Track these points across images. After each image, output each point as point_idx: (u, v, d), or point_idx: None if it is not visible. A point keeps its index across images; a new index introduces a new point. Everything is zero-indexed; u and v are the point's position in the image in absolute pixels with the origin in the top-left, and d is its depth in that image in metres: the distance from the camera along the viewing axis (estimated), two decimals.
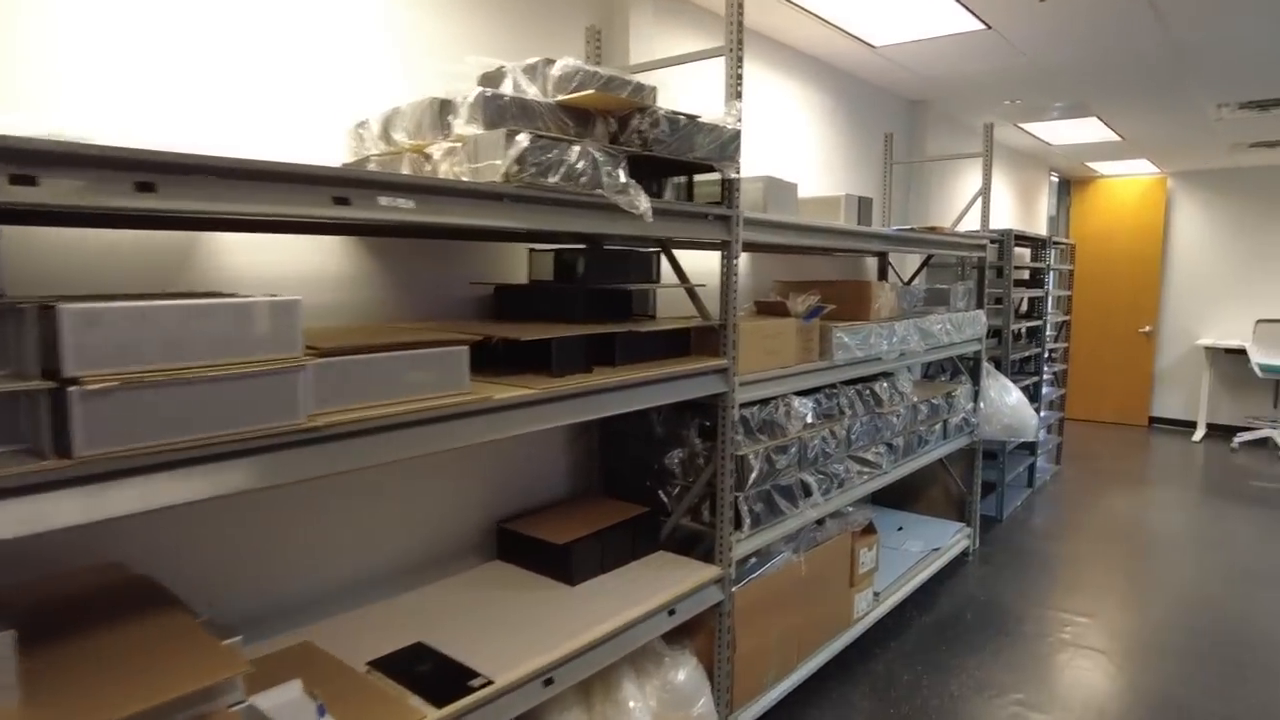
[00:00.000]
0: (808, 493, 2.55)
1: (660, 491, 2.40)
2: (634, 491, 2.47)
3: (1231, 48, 3.65)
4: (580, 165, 1.66)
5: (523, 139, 1.56)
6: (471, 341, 1.55)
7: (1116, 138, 5.91)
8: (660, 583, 2.14)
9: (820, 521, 2.81)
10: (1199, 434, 7.30)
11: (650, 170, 2.20)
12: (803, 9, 3.12)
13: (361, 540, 2.06)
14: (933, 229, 3.40)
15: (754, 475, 2.31)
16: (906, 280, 4.38)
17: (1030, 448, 5.33)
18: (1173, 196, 7.63)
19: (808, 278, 3.66)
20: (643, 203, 1.77)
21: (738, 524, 2.29)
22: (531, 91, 1.81)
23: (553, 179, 1.62)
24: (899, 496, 4.29)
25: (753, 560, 2.51)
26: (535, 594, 2.08)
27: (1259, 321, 6.87)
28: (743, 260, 3.32)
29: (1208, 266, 7.49)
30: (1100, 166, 7.47)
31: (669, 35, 2.94)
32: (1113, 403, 7.89)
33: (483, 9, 2.26)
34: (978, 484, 4.07)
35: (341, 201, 1.34)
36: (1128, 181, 7.75)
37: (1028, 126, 5.57)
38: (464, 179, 1.63)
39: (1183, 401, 7.62)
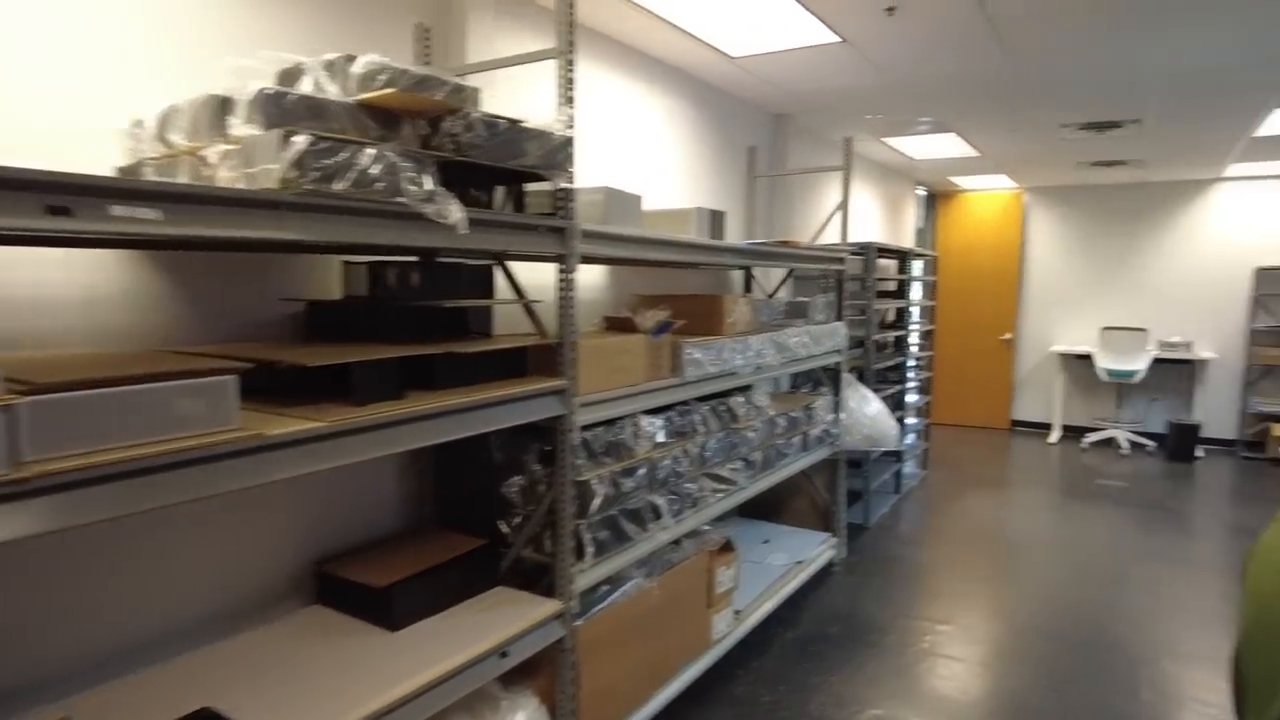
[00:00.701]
0: (658, 515, 2.45)
1: (500, 522, 2.24)
2: (472, 523, 2.31)
3: (1068, 73, 3.81)
4: (375, 170, 1.50)
5: (300, 140, 1.38)
6: (243, 369, 1.36)
7: (975, 153, 6.15)
8: (494, 623, 1.98)
9: (677, 542, 2.71)
10: (1055, 436, 7.70)
11: (479, 179, 2.06)
12: (653, 14, 3.04)
13: (147, 591, 1.81)
14: (786, 242, 3.38)
15: (597, 501, 2.19)
16: (770, 293, 4.39)
17: (896, 454, 5.45)
18: (1029, 210, 8.05)
19: (671, 292, 3.59)
20: (454, 213, 1.62)
21: (580, 554, 2.16)
22: (331, 90, 1.63)
23: (341, 185, 1.45)
24: (767, 509, 4.27)
25: (604, 589, 2.39)
26: (352, 643, 1.88)
27: (1104, 329, 7.31)
28: (600, 274, 3.21)
29: (1060, 277, 7.93)
30: (962, 181, 7.80)
31: (516, 38, 2.80)
32: (977, 408, 8.23)
33: (295, 4, 2.06)
34: (842, 495, 4.10)
35: (59, 211, 1.13)
36: (988, 196, 8.13)
37: (891, 141, 5.72)
38: (239, 185, 1.44)
39: (1040, 405, 8.03)
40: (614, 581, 2.41)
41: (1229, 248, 7.19)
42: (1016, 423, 8.17)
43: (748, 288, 4.26)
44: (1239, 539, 4.71)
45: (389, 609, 1.94)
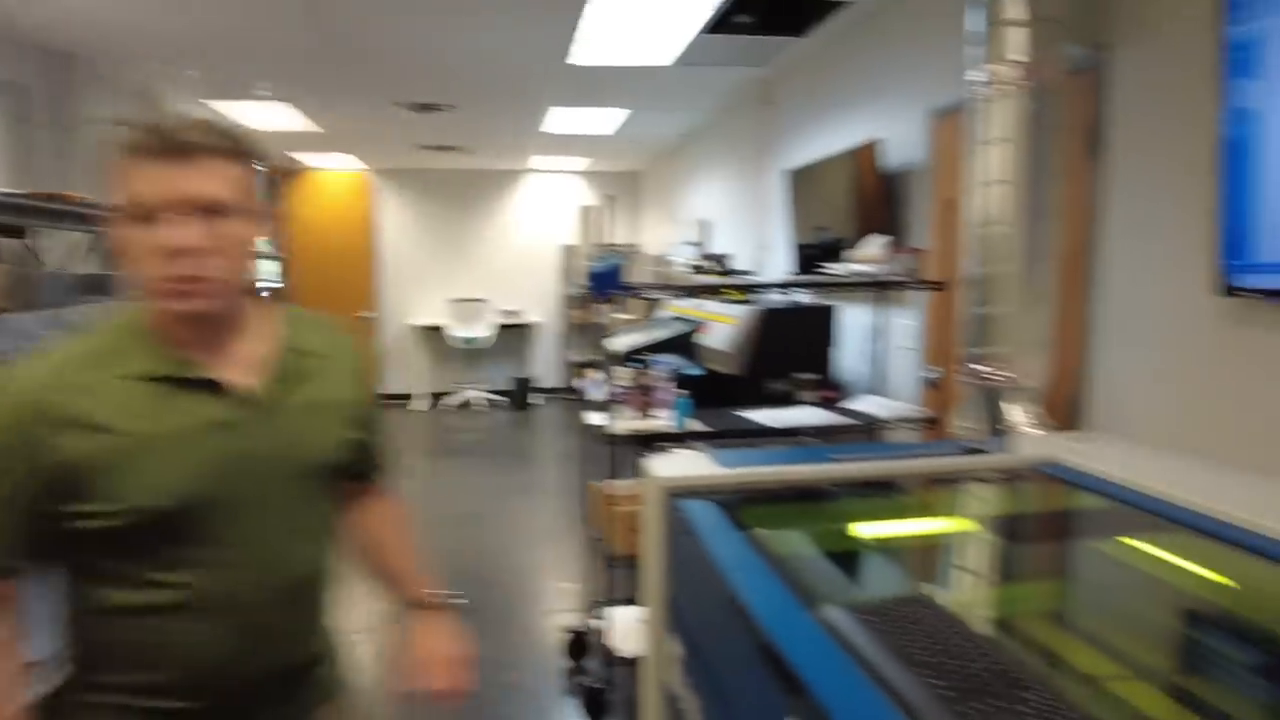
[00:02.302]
0: None
1: None
2: None
3: (388, 50, 3.93)
4: None
5: None
6: None
7: (318, 129, 6.03)
8: None
9: None
10: (421, 404, 8.21)
11: None
12: None
13: None
14: (56, 196, 2.77)
15: None
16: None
17: None
18: (379, 191, 8.32)
19: None
20: None
21: None
22: None
23: None
24: None
25: None
26: None
27: (451, 301, 8.03)
28: None
29: (412, 255, 8.43)
30: (309, 158, 7.65)
31: None
32: None
33: None
34: None
35: None
36: (338, 175, 8.15)
37: (220, 105, 5.22)
38: None
39: (406, 376, 8.44)
40: None
41: (542, 228, 8.56)
42: (385, 396, 8.46)
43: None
44: (563, 463, 5.67)
45: None
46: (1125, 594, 1.17)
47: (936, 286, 2.57)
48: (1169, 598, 1.14)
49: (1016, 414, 1.92)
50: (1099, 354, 2.09)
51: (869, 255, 2.71)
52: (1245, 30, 1.61)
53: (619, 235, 8.59)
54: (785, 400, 2.86)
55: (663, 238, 7.05)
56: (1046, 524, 1.46)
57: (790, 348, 3.05)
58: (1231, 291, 1.67)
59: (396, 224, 8.38)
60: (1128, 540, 1.31)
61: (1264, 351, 1.67)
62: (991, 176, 1.91)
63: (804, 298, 3.82)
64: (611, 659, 2.45)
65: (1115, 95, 2.03)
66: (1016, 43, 1.89)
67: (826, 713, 0.73)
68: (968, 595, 1.18)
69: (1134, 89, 1.98)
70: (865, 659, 0.82)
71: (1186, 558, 1.24)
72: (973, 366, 1.96)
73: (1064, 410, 2.15)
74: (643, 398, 2.35)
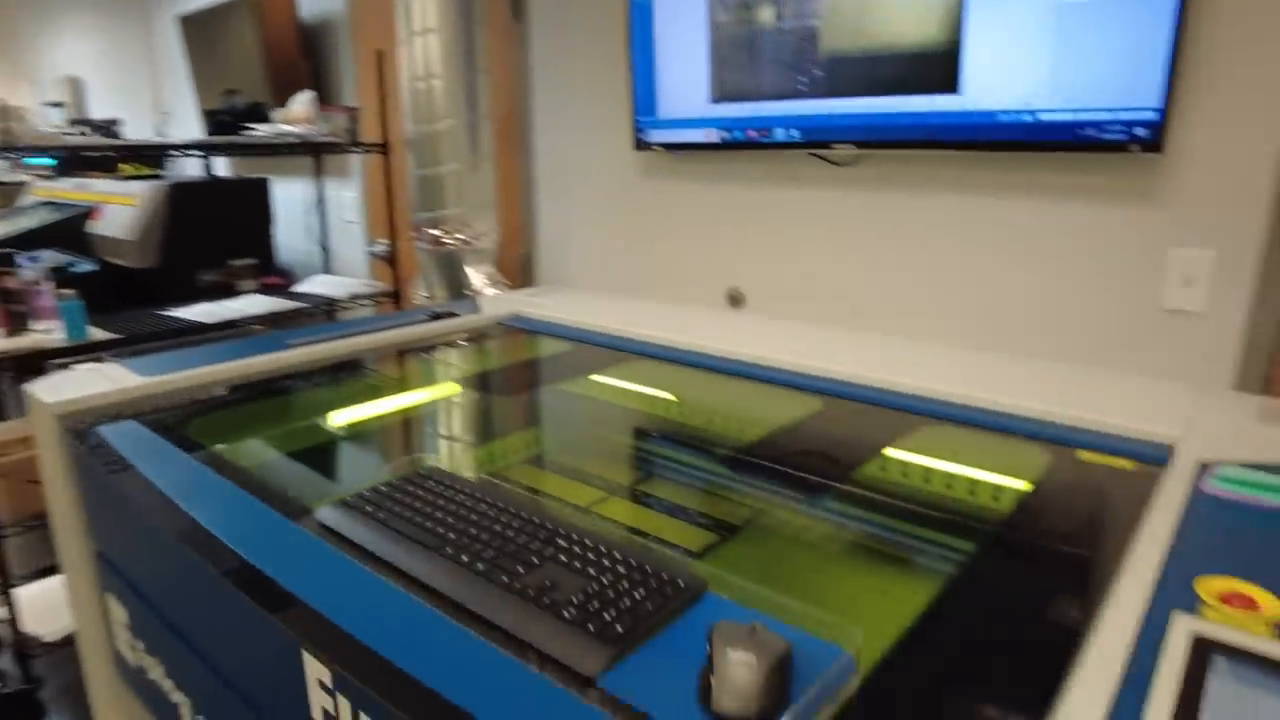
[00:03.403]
0: None
1: None
2: None
3: None
4: None
5: None
6: None
7: None
8: None
9: None
10: None
11: None
12: None
13: None
14: None
15: None
16: None
17: None
18: None
19: None
20: None
21: None
22: None
23: None
24: None
25: None
26: None
27: None
28: None
29: None
30: None
31: None
32: None
33: None
34: None
35: None
36: None
37: None
38: None
39: None
40: None
41: None
42: None
43: None
44: None
45: None
46: (595, 423, 1.25)
47: (379, 149, 2.40)
48: (629, 419, 1.25)
49: (475, 276, 1.92)
50: (541, 211, 2.19)
51: (296, 115, 2.39)
52: None
53: None
54: (222, 292, 2.45)
55: (10, 99, 5.40)
56: (520, 374, 1.49)
57: (217, 230, 2.60)
58: (642, 146, 1.87)
59: None
60: (592, 375, 1.41)
61: (667, 197, 1.91)
62: (423, 25, 1.79)
63: (224, 172, 3.30)
64: (31, 649, 1.91)
65: None
66: None
67: (348, 635, 0.59)
68: (464, 458, 1.13)
69: None
70: (378, 555, 0.70)
71: (640, 382, 1.37)
72: (427, 231, 1.88)
73: (517, 268, 2.24)
74: (8, 307, 1.74)
